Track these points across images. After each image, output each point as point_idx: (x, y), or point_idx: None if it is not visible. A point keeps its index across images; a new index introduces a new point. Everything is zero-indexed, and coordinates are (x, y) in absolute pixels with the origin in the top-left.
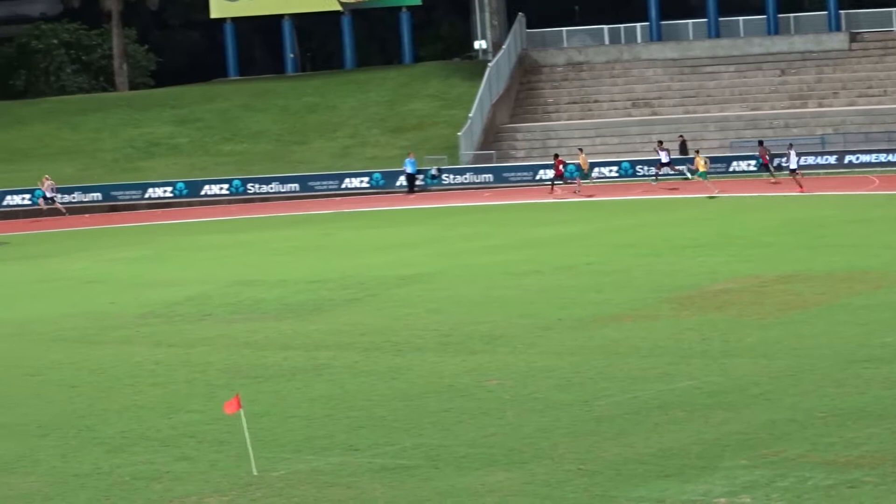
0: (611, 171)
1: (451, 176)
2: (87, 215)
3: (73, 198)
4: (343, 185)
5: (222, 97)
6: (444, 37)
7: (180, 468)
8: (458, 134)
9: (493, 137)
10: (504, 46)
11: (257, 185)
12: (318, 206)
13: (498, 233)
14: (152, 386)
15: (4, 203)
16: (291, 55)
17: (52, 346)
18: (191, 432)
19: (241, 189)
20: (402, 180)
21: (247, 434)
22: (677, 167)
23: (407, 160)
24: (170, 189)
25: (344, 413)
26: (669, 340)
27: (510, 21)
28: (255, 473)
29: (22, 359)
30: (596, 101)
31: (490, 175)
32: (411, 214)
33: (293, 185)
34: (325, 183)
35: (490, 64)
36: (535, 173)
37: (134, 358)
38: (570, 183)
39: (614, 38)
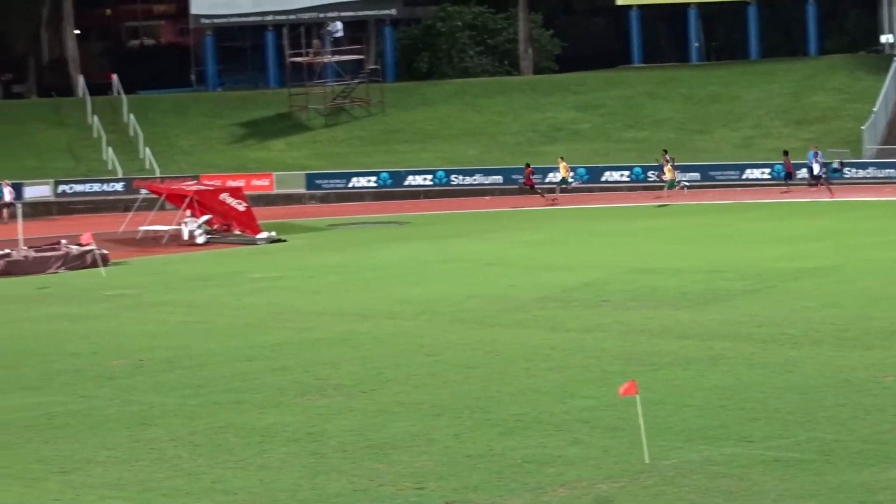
0: None
1: (854, 170)
2: (486, 198)
3: (474, 180)
4: (744, 176)
5: (626, 84)
6: (849, 29)
7: (572, 453)
8: (862, 128)
9: None
10: None
11: (656, 174)
12: (719, 196)
13: None
14: (547, 370)
15: (406, 183)
16: (696, 44)
17: (450, 327)
18: (584, 417)
19: (640, 176)
20: (803, 173)
21: (641, 421)
22: None
23: (809, 153)
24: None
25: (738, 404)
26: None
27: None
28: (647, 461)
29: (421, 338)
30: None
31: (893, 170)
32: (812, 207)
33: (694, 175)
34: (725, 173)
35: None
36: None
37: (530, 341)
38: None
39: None
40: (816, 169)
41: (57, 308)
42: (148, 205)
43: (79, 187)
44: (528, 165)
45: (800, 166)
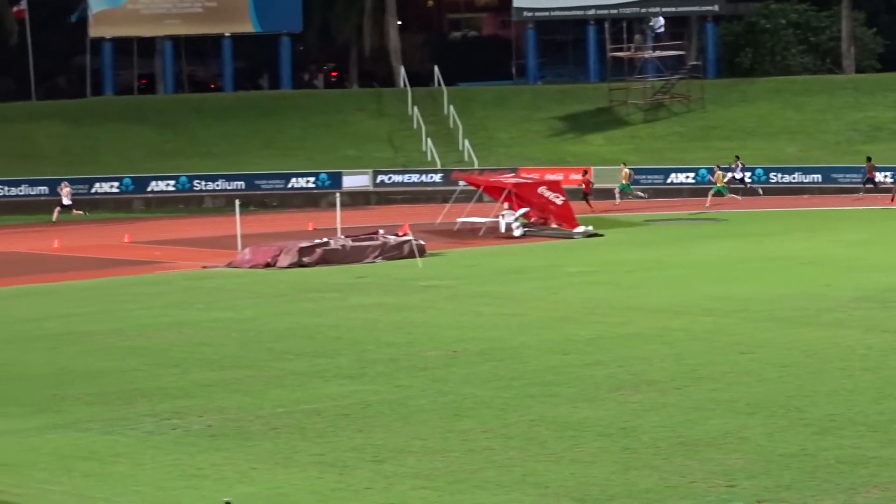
0: None
1: None
2: (805, 196)
3: (793, 178)
4: None
5: None
6: None
7: (887, 454)
8: None
9: None
10: None
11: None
12: None
13: None
14: (863, 370)
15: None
16: None
17: (764, 325)
18: None
19: None
20: None
21: None
22: None
23: None
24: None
25: None
26: None
27: None
28: None
29: (736, 336)
30: None
31: None
32: None
33: None
34: None
35: None
36: None
37: (846, 341)
38: None
39: None
40: None
41: (373, 298)
42: (465, 196)
43: (397, 177)
44: (585, 173)
45: None
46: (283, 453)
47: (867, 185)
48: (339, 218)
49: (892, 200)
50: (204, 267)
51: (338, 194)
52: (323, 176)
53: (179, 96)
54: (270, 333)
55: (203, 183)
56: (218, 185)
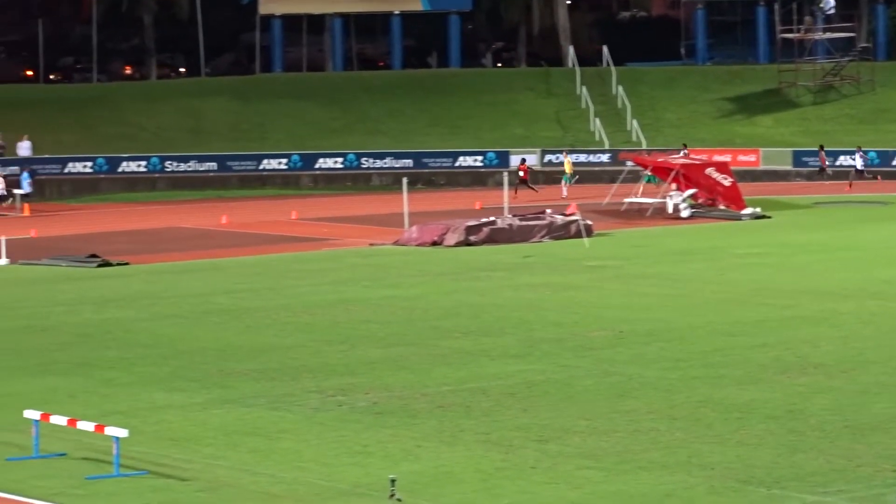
0: None
1: None
2: None
3: None
4: None
5: None
6: None
7: None
8: None
9: None
10: None
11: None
12: None
13: None
14: None
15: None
16: None
17: None
18: None
19: None
20: None
21: None
22: None
23: None
24: None
25: None
26: None
27: None
28: None
29: None
30: None
31: None
32: None
33: None
34: None
35: None
36: None
37: None
38: None
39: None
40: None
41: (540, 277)
42: (633, 177)
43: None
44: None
45: None
46: (448, 431)
47: None
48: (506, 197)
49: None
50: (371, 244)
51: (505, 173)
52: (490, 155)
53: (348, 74)
54: (436, 311)
55: (371, 160)
56: (385, 163)
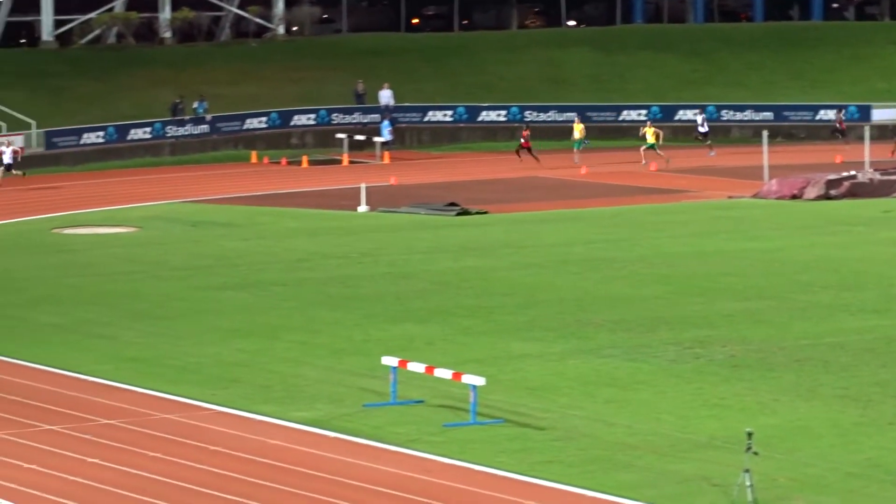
0: None
1: None
2: None
3: None
4: None
5: None
6: None
7: None
8: None
9: None
10: None
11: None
12: None
13: None
14: None
15: None
16: None
17: None
18: None
19: None
20: None
21: None
22: None
23: None
24: None
25: None
26: None
27: None
28: None
29: None
30: None
31: None
32: None
33: None
34: None
35: None
36: None
37: None
38: None
39: None
40: None
41: None
42: None
43: None
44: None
45: None
46: (806, 386)
47: None
48: (867, 151)
49: None
50: (730, 197)
51: (866, 127)
52: (852, 108)
53: (709, 25)
54: (795, 265)
55: (731, 113)
56: (745, 116)
